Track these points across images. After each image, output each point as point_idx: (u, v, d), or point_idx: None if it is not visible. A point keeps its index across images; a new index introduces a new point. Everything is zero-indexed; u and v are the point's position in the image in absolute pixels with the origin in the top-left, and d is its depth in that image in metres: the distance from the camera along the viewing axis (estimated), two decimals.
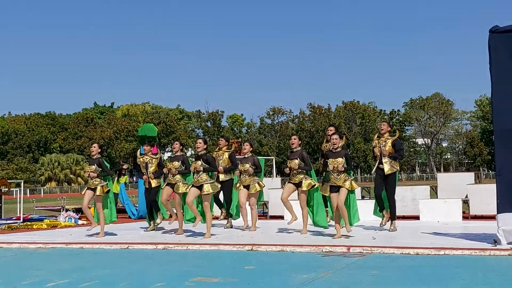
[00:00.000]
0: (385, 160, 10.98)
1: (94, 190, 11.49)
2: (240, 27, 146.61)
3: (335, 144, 10.23)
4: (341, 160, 10.05)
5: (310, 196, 11.08)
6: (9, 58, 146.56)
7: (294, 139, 11.20)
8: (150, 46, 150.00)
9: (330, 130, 11.84)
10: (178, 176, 11.35)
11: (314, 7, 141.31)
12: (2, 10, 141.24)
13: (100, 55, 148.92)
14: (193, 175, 10.92)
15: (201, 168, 10.70)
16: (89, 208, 12.28)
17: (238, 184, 12.04)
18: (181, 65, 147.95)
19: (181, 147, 11.75)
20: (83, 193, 11.76)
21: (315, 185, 10.94)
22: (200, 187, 10.69)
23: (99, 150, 11.80)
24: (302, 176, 10.90)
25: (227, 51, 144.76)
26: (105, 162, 11.77)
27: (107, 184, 11.60)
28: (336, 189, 10.05)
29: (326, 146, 11.91)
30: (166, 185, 11.65)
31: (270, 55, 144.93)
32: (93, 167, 11.53)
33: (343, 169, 10.01)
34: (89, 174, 11.52)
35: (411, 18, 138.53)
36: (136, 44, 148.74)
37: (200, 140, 11.10)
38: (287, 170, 11.03)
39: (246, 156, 12.05)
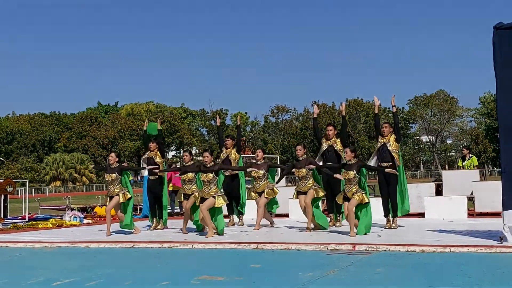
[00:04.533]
0: (394, 155, 11.16)
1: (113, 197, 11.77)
2: (243, 25, 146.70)
3: (347, 157, 10.47)
4: (352, 173, 10.22)
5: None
6: (12, 58, 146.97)
7: (300, 150, 11.33)
8: (153, 45, 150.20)
9: (330, 129, 11.88)
10: (194, 187, 11.34)
11: (318, 5, 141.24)
12: (4, 10, 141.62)
13: (103, 54, 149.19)
14: (204, 187, 10.80)
15: (214, 180, 10.78)
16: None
17: (253, 194, 11.96)
18: (185, 64, 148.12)
19: (191, 157, 11.79)
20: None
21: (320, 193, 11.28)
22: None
23: (117, 159, 12.18)
24: (311, 184, 11.09)
25: (231, 49, 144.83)
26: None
27: (128, 191, 11.82)
28: (347, 199, 10.30)
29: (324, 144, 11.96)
30: (183, 196, 11.76)
31: (273, 54, 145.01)
32: (114, 175, 11.74)
33: (355, 180, 10.22)
34: (109, 181, 11.82)
35: (415, 15, 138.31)
36: (139, 43, 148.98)
37: (207, 154, 11.06)
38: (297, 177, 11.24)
39: (259, 162, 12.03)
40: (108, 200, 11.97)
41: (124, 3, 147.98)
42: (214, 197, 10.67)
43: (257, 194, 11.90)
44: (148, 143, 13.04)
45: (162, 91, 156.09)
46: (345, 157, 10.59)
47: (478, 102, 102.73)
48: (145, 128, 13.82)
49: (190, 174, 11.34)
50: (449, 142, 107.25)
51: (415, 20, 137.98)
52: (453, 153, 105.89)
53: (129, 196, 11.80)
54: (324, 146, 11.83)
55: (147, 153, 12.89)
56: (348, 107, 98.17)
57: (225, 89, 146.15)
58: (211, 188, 10.72)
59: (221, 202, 10.75)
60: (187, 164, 11.63)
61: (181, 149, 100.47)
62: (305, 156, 11.29)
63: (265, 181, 11.86)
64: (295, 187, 11.48)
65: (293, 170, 11.28)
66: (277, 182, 12.09)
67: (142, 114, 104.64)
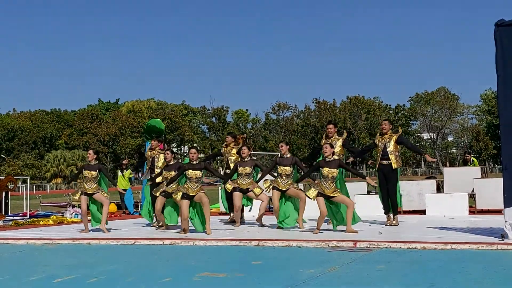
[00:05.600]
0: (391, 156, 11.08)
1: (89, 195, 11.52)
2: (244, 22, 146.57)
3: (326, 153, 10.20)
4: (334, 170, 10.09)
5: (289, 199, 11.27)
6: (13, 55, 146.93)
7: (282, 147, 11.24)
8: (154, 42, 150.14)
9: (330, 127, 11.82)
10: (174, 186, 11.26)
11: (319, 2, 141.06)
12: (5, 8, 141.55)
13: (104, 52, 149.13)
14: (190, 184, 10.71)
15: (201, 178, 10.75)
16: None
17: (228, 186, 11.74)
18: (186, 61, 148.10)
19: (173, 155, 11.66)
20: (76, 197, 11.69)
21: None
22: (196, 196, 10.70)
23: (95, 156, 11.79)
24: (290, 182, 11.00)
25: (232, 46, 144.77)
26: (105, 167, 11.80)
27: (105, 192, 11.63)
28: (323, 196, 10.07)
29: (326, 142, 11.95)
30: (161, 193, 11.50)
31: (275, 51, 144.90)
32: (95, 173, 11.53)
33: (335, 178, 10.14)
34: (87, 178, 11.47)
35: (416, 12, 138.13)
36: (140, 40, 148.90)
37: (193, 150, 11.01)
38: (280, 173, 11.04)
39: (246, 160, 11.73)
40: (81, 198, 11.57)
41: (125, 1, 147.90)
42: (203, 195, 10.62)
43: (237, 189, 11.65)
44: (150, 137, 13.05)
45: (163, 88, 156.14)
46: (324, 152, 10.22)
47: (479, 99, 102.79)
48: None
49: (173, 172, 11.28)
50: (450, 139, 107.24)
51: (416, 18, 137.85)
52: (454, 150, 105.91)
53: (106, 195, 11.62)
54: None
55: (151, 152, 12.85)
56: (349, 104, 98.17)
57: (226, 86, 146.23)
58: (200, 184, 10.69)
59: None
60: (170, 163, 11.52)
61: (181, 146, 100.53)
62: (289, 154, 11.15)
63: (250, 180, 11.62)
64: (272, 181, 11.19)
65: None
66: (259, 180, 11.75)
67: (143, 111, 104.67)
